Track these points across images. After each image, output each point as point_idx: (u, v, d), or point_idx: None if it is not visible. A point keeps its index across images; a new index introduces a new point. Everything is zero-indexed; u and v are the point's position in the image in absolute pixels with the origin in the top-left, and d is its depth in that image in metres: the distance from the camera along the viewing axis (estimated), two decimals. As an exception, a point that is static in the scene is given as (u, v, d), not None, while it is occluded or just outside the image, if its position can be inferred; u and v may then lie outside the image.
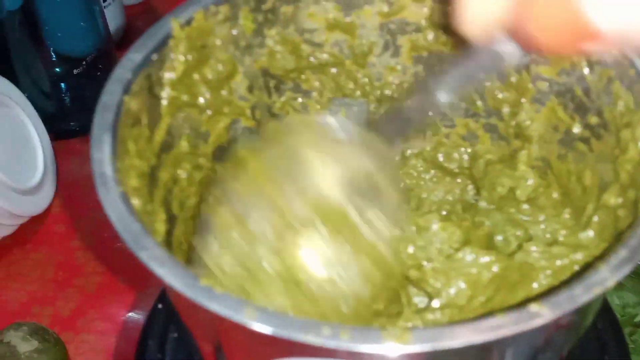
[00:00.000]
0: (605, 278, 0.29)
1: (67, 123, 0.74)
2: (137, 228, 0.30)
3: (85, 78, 0.72)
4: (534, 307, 0.28)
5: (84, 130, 0.72)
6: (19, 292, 0.64)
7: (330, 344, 0.27)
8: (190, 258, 0.41)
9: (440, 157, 0.47)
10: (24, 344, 0.54)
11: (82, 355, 0.59)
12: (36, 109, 0.68)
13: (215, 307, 0.28)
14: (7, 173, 0.60)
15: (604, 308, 0.47)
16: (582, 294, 0.28)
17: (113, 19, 0.78)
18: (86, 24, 0.70)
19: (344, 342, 0.27)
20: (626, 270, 0.29)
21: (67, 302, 0.63)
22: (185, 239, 0.42)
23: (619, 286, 0.59)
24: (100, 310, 0.62)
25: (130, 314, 0.62)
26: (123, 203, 0.31)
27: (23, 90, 0.67)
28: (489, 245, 0.41)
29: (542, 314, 0.27)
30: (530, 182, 0.43)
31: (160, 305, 0.46)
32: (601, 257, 0.30)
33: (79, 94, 0.72)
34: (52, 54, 0.69)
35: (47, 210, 0.67)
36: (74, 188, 0.70)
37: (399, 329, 0.27)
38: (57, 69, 0.71)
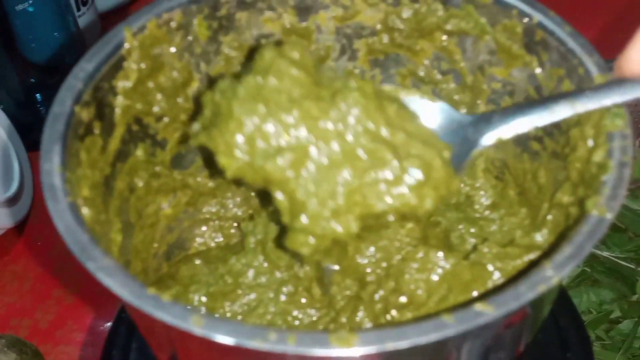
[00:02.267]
0: (550, 276, 0.29)
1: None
2: (85, 239, 0.30)
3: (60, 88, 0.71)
4: (478, 306, 0.28)
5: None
6: (-4, 304, 0.64)
7: (278, 348, 0.27)
8: (147, 267, 0.41)
9: None
10: (2, 357, 0.54)
11: (60, 367, 0.59)
12: (11, 120, 0.67)
13: (162, 315, 0.28)
14: (-18, 185, 0.60)
15: (565, 305, 0.47)
16: (527, 292, 0.28)
17: (87, 28, 0.78)
18: (60, 34, 0.70)
19: (291, 347, 0.27)
20: (570, 267, 0.29)
21: (45, 313, 0.63)
22: (145, 247, 0.42)
23: (595, 283, 0.59)
24: (79, 321, 0.62)
25: (108, 324, 0.61)
26: (72, 214, 0.31)
27: (-2, 102, 0.67)
28: (445, 244, 0.41)
29: (486, 313, 0.28)
30: (487, 193, 0.43)
31: (123, 315, 0.46)
32: (547, 254, 0.31)
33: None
34: (27, 64, 0.69)
35: (24, 222, 0.67)
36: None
37: (345, 332, 0.27)
38: (32, 79, 0.71)
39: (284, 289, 0.42)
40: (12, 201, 0.64)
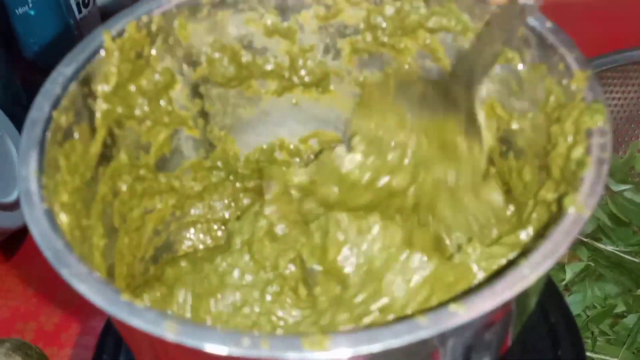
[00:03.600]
0: (526, 274, 0.28)
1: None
2: (60, 245, 0.30)
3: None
4: (452, 307, 0.27)
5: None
6: (1, 308, 0.64)
7: (251, 353, 0.27)
8: (134, 270, 0.41)
9: None
10: (7, 360, 0.54)
11: (66, 370, 0.59)
12: (13, 122, 0.67)
13: (136, 322, 0.28)
14: (-15, 189, 0.60)
15: (556, 300, 0.47)
16: (503, 292, 0.28)
17: (89, 29, 0.78)
18: (61, 36, 0.70)
19: (265, 352, 0.27)
20: (548, 265, 0.29)
21: (50, 316, 0.63)
22: (130, 251, 0.42)
23: (600, 277, 0.59)
24: (84, 324, 0.62)
25: (114, 327, 0.61)
26: (47, 220, 0.31)
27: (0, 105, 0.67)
28: (432, 246, 0.41)
29: (460, 314, 0.27)
30: None
31: (109, 328, 0.46)
32: (524, 252, 0.30)
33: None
34: (29, 66, 0.69)
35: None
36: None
37: (318, 336, 0.27)
38: (34, 81, 0.70)
39: (270, 289, 0.42)
40: (14, 205, 0.64)
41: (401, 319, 0.27)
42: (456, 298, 0.28)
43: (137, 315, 0.28)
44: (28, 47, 0.68)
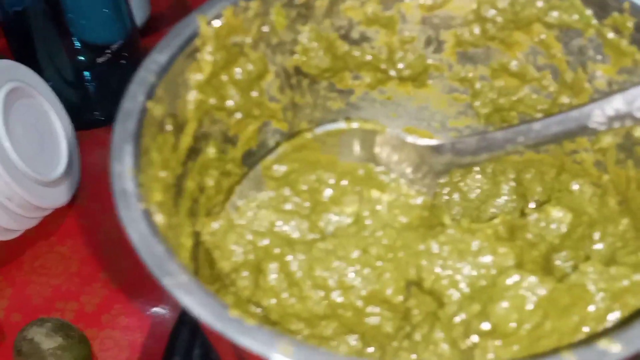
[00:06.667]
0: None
1: (91, 113, 0.72)
2: (160, 251, 0.28)
3: (109, 67, 0.69)
4: (603, 343, 0.25)
5: (108, 120, 0.70)
6: (43, 286, 0.62)
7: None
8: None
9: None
10: (48, 341, 0.53)
11: (106, 352, 0.58)
12: (60, 99, 0.66)
13: (246, 342, 0.25)
14: (30, 164, 0.58)
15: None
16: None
17: (138, 6, 0.76)
18: (110, 12, 0.68)
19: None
20: None
21: (91, 297, 0.61)
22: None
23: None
24: (125, 305, 0.60)
25: (155, 309, 0.60)
26: (146, 222, 0.29)
27: (47, 80, 0.65)
28: (544, 267, 0.37)
29: (614, 351, 0.24)
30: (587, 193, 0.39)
31: (185, 317, 0.44)
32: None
33: (103, 83, 0.70)
34: (76, 42, 0.67)
35: (71, 203, 0.65)
36: (98, 179, 0.68)
37: None
38: (81, 58, 0.69)
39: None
40: (59, 181, 0.62)
41: (543, 354, 0.25)
42: (605, 332, 0.25)
43: (247, 334, 0.25)
44: (75, 22, 0.66)
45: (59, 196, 0.63)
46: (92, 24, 0.67)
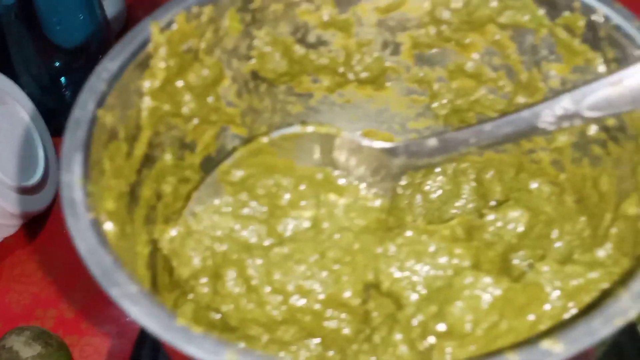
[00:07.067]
0: (628, 307, 0.26)
1: (68, 118, 0.71)
2: (108, 261, 0.28)
3: (85, 71, 0.68)
4: (545, 343, 0.25)
5: (85, 125, 0.69)
6: (22, 294, 0.62)
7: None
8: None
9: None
10: (27, 349, 0.53)
11: (86, 359, 0.57)
12: (36, 105, 0.65)
13: (193, 350, 0.25)
14: (7, 172, 0.58)
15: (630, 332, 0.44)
16: (602, 327, 0.25)
17: (112, 9, 0.75)
18: (84, 15, 0.68)
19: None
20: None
21: (71, 304, 0.61)
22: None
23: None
24: (105, 311, 0.60)
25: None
26: (94, 232, 0.28)
27: (22, 86, 0.65)
28: (501, 267, 0.38)
29: (556, 351, 0.24)
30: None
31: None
32: (621, 281, 0.27)
33: (79, 87, 0.70)
34: (51, 47, 0.67)
35: (50, 209, 0.65)
36: (76, 186, 0.68)
37: None
38: (57, 63, 0.68)
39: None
40: (36, 188, 0.62)
41: (487, 355, 0.25)
42: (547, 332, 0.25)
43: (194, 343, 0.25)
44: (51, 27, 0.65)
45: (37, 203, 0.62)
46: (66, 28, 0.67)
